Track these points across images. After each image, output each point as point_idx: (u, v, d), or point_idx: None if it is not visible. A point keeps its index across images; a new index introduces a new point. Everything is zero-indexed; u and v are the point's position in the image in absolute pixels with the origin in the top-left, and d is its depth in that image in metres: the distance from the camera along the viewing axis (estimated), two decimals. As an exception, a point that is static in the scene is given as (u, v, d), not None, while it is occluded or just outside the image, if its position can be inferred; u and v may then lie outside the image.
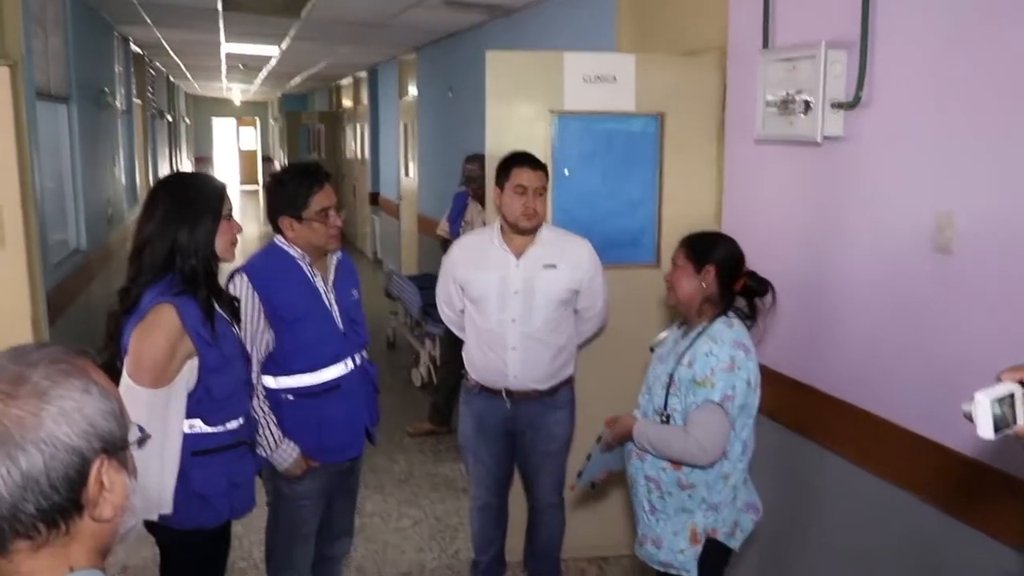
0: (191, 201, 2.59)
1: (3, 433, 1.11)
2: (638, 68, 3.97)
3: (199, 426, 2.60)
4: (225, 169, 28.72)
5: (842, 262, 3.13)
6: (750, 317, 2.84)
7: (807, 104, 3.08)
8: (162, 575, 2.85)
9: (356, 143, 15.26)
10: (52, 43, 6.02)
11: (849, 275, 3.10)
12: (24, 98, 5.07)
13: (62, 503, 1.15)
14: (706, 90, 3.95)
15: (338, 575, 3.62)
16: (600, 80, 3.94)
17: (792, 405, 3.38)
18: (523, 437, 3.66)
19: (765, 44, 3.43)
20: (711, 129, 3.97)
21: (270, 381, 3.09)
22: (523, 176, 3.43)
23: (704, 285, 2.76)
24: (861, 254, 3.04)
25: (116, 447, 1.21)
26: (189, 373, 2.53)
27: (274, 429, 3.02)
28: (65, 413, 1.15)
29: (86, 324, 6.72)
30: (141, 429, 1.27)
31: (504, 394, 3.58)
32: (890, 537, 2.95)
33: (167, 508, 2.53)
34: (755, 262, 2.89)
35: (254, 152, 29.58)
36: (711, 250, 2.79)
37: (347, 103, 16.58)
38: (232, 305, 2.80)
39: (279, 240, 3.12)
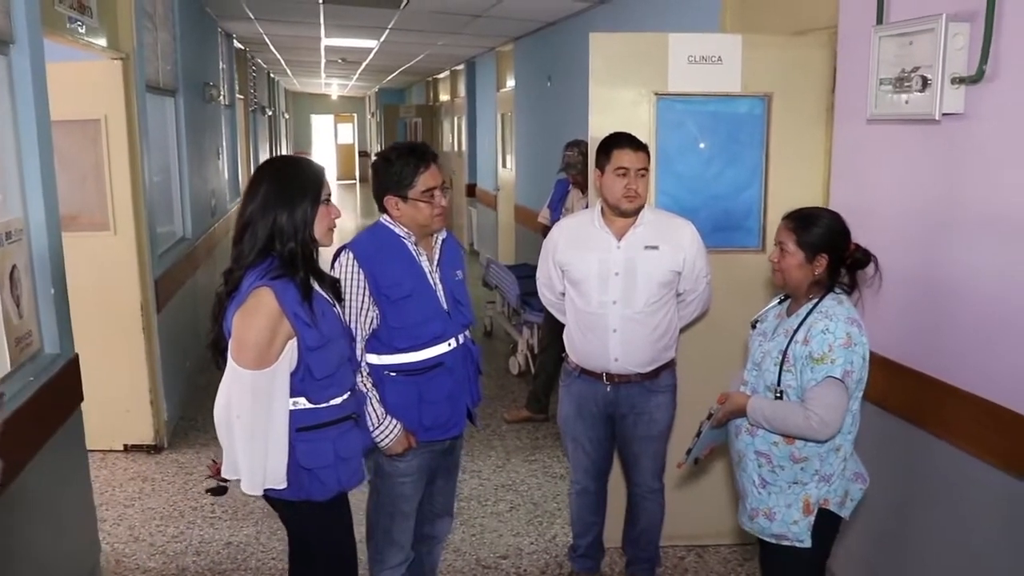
0: (291, 184, 2.61)
1: None
2: (745, 49, 3.89)
3: (303, 403, 2.63)
4: (323, 163, 29.29)
5: (960, 246, 3.01)
6: (850, 287, 2.84)
7: (924, 80, 2.98)
8: (291, 549, 2.96)
9: (453, 135, 15.39)
10: (161, 37, 6.20)
11: (968, 260, 2.98)
12: (135, 90, 5.24)
13: None
14: (815, 70, 3.86)
15: (438, 555, 3.64)
16: (705, 61, 3.87)
17: (902, 392, 3.28)
18: (624, 421, 3.62)
19: (879, 20, 3.32)
20: (819, 110, 3.88)
21: (373, 358, 3.10)
22: (624, 157, 3.39)
23: (816, 273, 2.77)
24: (981, 237, 2.91)
25: None
26: (290, 353, 2.56)
27: (376, 406, 3.04)
28: None
29: (193, 311, 6.91)
30: None
31: (604, 377, 3.55)
32: (1009, 529, 2.84)
33: (280, 483, 2.60)
34: (866, 247, 2.80)
35: (351, 146, 30.12)
36: (823, 239, 2.76)
37: (444, 96, 16.73)
38: (334, 286, 2.83)
39: (385, 219, 3.14)
